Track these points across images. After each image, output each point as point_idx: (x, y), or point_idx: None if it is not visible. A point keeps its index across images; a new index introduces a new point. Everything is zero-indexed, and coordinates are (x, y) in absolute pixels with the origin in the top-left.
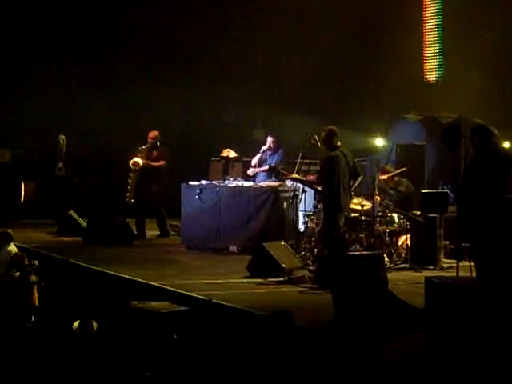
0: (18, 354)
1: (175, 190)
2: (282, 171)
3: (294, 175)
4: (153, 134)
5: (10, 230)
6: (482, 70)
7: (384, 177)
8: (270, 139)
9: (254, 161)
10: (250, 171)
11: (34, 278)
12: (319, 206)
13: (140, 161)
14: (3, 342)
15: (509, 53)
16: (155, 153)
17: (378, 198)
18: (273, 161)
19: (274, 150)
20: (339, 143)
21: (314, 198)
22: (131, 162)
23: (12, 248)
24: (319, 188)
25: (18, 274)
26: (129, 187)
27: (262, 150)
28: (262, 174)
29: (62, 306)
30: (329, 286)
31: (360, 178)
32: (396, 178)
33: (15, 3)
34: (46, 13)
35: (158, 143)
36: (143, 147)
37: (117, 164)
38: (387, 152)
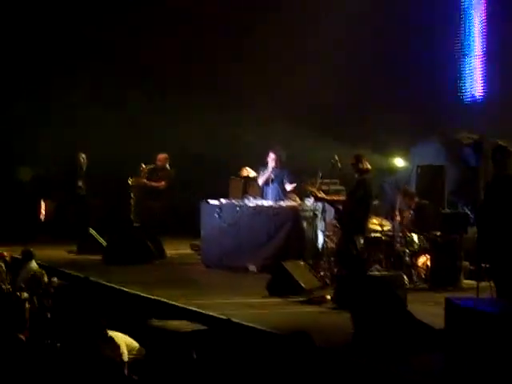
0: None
1: (194, 209)
2: (311, 189)
3: (323, 195)
4: (162, 156)
5: (31, 248)
6: None
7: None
8: (274, 156)
9: (263, 180)
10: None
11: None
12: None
13: (132, 179)
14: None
15: None
16: (159, 174)
17: (398, 218)
18: (283, 178)
19: (278, 166)
20: (368, 166)
21: (334, 218)
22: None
23: (33, 265)
24: (341, 208)
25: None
26: (131, 207)
27: (269, 169)
28: (272, 191)
29: (81, 323)
30: (348, 306)
31: None
32: (416, 199)
33: (34, 20)
34: (67, 32)
35: (167, 165)
36: (144, 166)
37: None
38: (408, 173)
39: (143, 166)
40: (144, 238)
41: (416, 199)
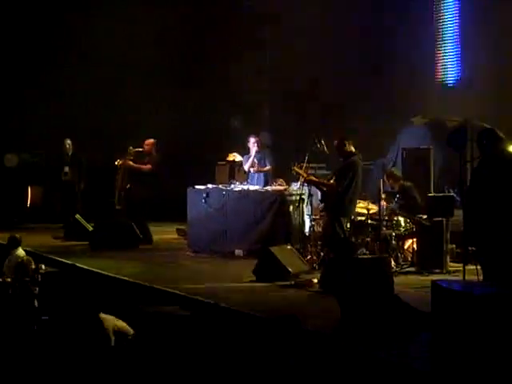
0: (24, 357)
1: (181, 194)
2: (299, 171)
3: (311, 177)
4: (149, 141)
5: (18, 235)
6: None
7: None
8: (253, 140)
9: (248, 165)
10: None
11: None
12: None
13: (119, 160)
14: (9, 345)
15: None
16: (147, 159)
17: (384, 201)
18: (266, 161)
19: (260, 149)
20: (353, 149)
21: (321, 201)
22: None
23: (20, 252)
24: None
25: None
26: (116, 191)
27: (253, 153)
28: (259, 176)
29: (69, 310)
30: (334, 289)
31: None
32: (401, 182)
33: (29, 12)
34: (57, 21)
35: (154, 151)
36: (131, 148)
37: None
38: (393, 156)
39: (131, 148)
40: (130, 223)
41: (401, 181)
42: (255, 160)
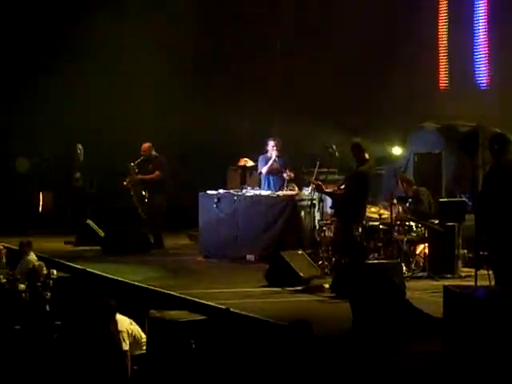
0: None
1: (193, 200)
2: (312, 180)
3: (322, 186)
4: (144, 146)
5: (29, 240)
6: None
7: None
8: (274, 143)
9: (266, 168)
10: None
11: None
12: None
13: (126, 179)
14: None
15: None
16: (151, 165)
17: (398, 206)
18: (284, 166)
19: (280, 154)
20: (367, 156)
21: (332, 208)
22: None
23: (32, 257)
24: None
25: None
26: (136, 204)
27: (273, 157)
28: (275, 179)
29: (80, 315)
30: (346, 294)
31: None
32: (415, 187)
33: (25, 14)
34: (59, 26)
35: (154, 153)
36: (132, 164)
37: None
38: (404, 161)
39: (131, 164)
40: (142, 228)
41: (414, 186)
42: (276, 164)
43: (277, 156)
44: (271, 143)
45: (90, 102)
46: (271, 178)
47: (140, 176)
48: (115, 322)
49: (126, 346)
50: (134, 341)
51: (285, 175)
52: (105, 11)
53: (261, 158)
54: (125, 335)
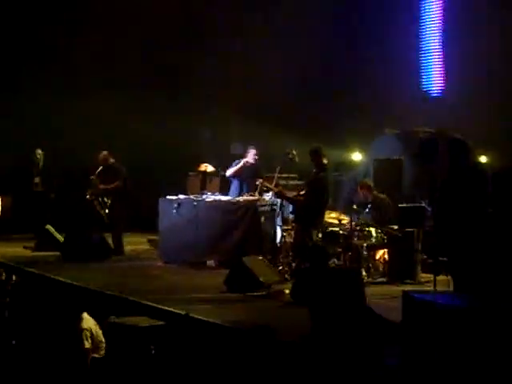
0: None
1: (153, 205)
2: (268, 186)
3: (282, 191)
4: (100, 157)
5: None
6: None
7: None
8: (254, 152)
9: (232, 172)
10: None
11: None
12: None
13: (88, 192)
14: None
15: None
16: (110, 173)
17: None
18: (256, 174)
19: (255, 164)
20: (326, 161)
21: (292, 213)
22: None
23: None
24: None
25: None
26: (101, 211)
27: (242, 163)
28: (235, 186)
29: (39, 321)
30: (305, 300)
31: None
32: (374, 193)
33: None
34: (35, 27)
35: (111, 160)
36: (93, 177)
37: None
38: (365, 167)
39: (93, 177)
40: (101, 234)
41: (374, 192)
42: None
43: (252, 164)
44: (253, 151)
45: (51, 107)
46: (237, 181)
47: (102, 186)
48: (80, 320)
49: (88, 345)
50: (95, 343)
51: (258, 182)
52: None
53: (234, 163)
54: (88, 334)
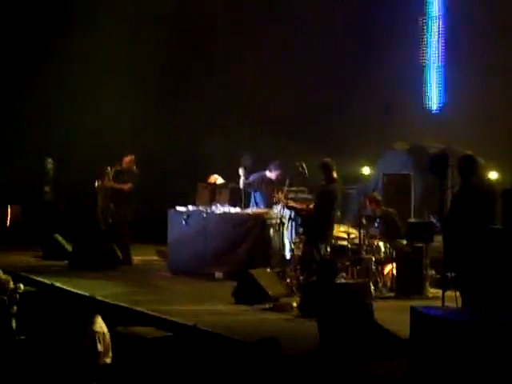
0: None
1: (162, 216)
2: (280, 198)
3: (292, 203)
4: (128, 159)
5: None
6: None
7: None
8: (279, 173)
9: (247, 182)
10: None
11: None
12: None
13: (98, 181)
14: None
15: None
16: (126, 176)
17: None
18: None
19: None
20: (335, 175)
21: (301, 226)
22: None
23: None
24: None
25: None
26: (98, 213)
27: (261, 176)
28: (260, 196)
29: (46, 330)
30: (314, 314)
31: None
32: (383, 208)
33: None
34: (39, 41)
35: (134, 168)
36: (109, 169)
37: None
38: (374, 181)
39: (108, 168)
40: (110, 243)
41: (382, 207)
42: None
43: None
44: (279, 172)
45: (63, 117)
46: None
47: (111, 183)
48: (95, 322)
49: (100, 348)
50: (105, 347)
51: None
52: (74, 30)
53: (255, 175)
54: (101, 337)
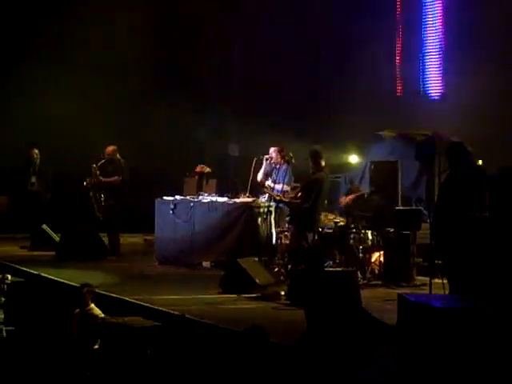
0: None
1: (149, 205)
2: (272, 193)
3: (281, 197)
4: (109, 149)
5: None
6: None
7: (348, 199)
8: (274, 150)
9: (260, 176)
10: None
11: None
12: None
13: (87, 180)
14: None
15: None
16: (111, 167)
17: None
18: (281, 177)
19: (279, 163)
20: (324, 163)
21: (288, 214)
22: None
23: None
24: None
25: None
26: (94, 205)
27: (265, 161)
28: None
29: (34, 320)
30: (301, 301)
31: None
32: (366, 197)
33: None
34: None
35: (117, 156)
36: (95, 166)
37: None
38: (361, 169)
39: (94, 165)
40: (97, 233)
41: (365, 197)
42: (272, 170)
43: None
44: (273, 150)
45: (51, 107)
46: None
47: (100, 178)
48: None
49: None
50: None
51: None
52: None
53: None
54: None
